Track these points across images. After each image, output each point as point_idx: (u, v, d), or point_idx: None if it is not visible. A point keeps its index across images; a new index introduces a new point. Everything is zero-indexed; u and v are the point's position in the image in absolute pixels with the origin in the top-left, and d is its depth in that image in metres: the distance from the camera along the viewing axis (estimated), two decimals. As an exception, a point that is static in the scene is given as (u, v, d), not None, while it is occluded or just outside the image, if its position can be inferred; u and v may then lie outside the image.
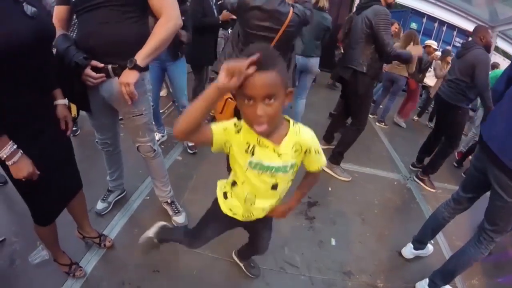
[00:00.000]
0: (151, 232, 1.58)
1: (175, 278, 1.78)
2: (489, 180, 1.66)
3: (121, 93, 1.47)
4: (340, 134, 3.46)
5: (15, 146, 1.15)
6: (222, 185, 1.30)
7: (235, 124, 1.06)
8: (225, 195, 1.27)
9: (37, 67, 1.20)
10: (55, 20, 1.54)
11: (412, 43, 4.63)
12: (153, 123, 1.87)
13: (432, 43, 5.52)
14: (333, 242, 2.25)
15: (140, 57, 1.46)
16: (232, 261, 1.88)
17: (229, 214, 1.28)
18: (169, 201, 2.13)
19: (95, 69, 1.48)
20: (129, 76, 1.46)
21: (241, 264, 1.84)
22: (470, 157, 4.15)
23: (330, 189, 2.92)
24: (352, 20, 2.94)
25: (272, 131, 1.02)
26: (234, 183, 1.21)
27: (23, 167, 1.18)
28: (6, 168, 1.20)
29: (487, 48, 2.89)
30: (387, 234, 2.47)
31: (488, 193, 1.76)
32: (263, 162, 1.06)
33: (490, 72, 4.05)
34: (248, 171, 1.09)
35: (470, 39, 3.11)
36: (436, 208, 2.11)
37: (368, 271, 2.06)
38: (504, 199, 1.56)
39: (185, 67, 2.93)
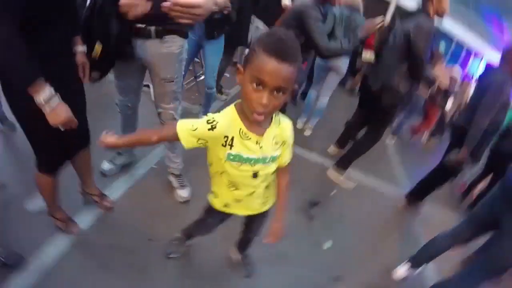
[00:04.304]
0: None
1: (169, 251, 1.78)
2: (499, 222, 1.65)
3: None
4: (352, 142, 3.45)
5: (53, 90, 1.10)
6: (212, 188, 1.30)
7: (207, 121, 0.99)
8: (215, 195, 1.29)
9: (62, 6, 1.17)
10: None
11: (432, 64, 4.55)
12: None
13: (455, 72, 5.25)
14: (327, 244, 2.25)
15: None
16: (228, 244, 1.87)
17: (223, 210, 1.29)
18: (177, 173, 2.12)
19: (136, 30, 1.46)
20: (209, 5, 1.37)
21: (238, 259, 1.81)
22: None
23: (333, 192, 2.92)
24: (391, 29, 2.75)
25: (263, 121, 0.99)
26: (213, 175, 1.21)
27: (62, 112, 1.15)
28: (19, 110, 1.18)
29: None
30: (380, 249, 2.47)
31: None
32: (242, 154, 1.04)
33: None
34: (226, 163, 1.07)
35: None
36: (437, 235, 2.10)
37: (355, 281, 2.06)
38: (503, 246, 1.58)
39: (222, 48, 2.89)
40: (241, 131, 1.01)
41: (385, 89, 2.61)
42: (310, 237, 2.26)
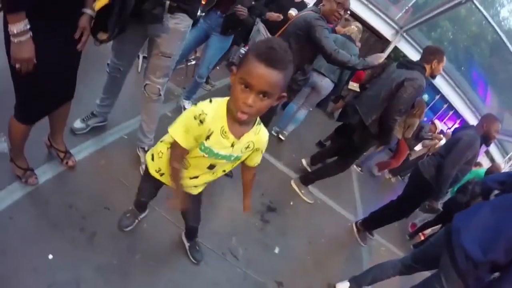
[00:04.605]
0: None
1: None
2: (438, 264, 1.80)
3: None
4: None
5: (28, 26, 1.13)
6: (153, 149, 1.34)
7: (195, 117, 1.02)
8: (152, 157, 1.33)
9: None
10: None
11: (415, 112, 4.79)
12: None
13: (438, 124, 5.73)
14: (276, 250, 2.32)
15: None
16: (182, 228, 1.89)
17: (156, 176, 1.34)
18: (146, 148, 2.11)
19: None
20: None
21: (187, 245, 1.84)
22: (424, 232, 4.40)
23: (291, 203, 3.00)
24: (385, 68, 2.76)
25: (245, 122, 1.04)
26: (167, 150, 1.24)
27: (26, 49, 1.16)
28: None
29: (485, 138, 2.75)
30: (325, 264, 2.57)
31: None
32: (213, 149, 1.08)
33: (473, 169, 4.25)
34: (195, 150, 1.12)
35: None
36: (385, 262, 2.24)
37: (296, 289, 2.14)
38: (442, 283, 1.70)
39: (227, 47, 2.96)
40: (222, 128, 1.05)
41: (360, 125, 2.69)
42: (261, 240, 2.33)
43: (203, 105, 1.03)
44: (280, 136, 3.98)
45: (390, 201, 3.27)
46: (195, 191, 1.38)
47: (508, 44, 6.09)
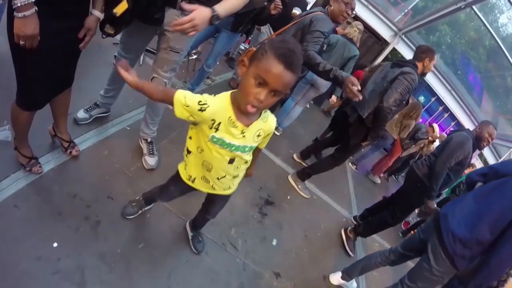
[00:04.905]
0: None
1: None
2: (427, 247, 1.88)
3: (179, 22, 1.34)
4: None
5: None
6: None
7: (199, 102, 1.05)
8: (185, 167, 1.36)
9: None
10: None
11: (412, 114, 4.85)
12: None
13: (436, 128, 5.72)
14: (274, 242, 2.37)
15: (223, 11, 1.40)
16: (184, 218, 1.94)
17: (189, 183, 1.36)
18: (149, 140, 2.14)
19: None
20: (204, 20, 1.35)
21: (190, 235, 1.88)
22: (415, 230, 4.49)
23: (289, 197, 3.06)
24: (380, 67, 2.89)
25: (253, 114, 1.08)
26: (189, 152, 1.27)
27: (31, 25, 1.11)
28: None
29: (478, 140, 2.80)
30: (320, 257, 2.63)
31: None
32: (225, 139, 1.12)
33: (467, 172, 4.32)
34: (208, 143, 1.15)
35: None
36: (373, 252, 2.32)
37: (293, 280, 2.20)
38: (431, 263, 1.80)
39: (234, 42, 3.04)
40: (230, 118, 1.09)
41: (357, 121, 2.76)
42: (260, 232, 2.38)
43: (207, 96, 1.08)
44: (275, 132, 4.03)
45: (383, 197, 3.34)
46: (226, 192, 1.40)
47: (505, 50, 6.17)
